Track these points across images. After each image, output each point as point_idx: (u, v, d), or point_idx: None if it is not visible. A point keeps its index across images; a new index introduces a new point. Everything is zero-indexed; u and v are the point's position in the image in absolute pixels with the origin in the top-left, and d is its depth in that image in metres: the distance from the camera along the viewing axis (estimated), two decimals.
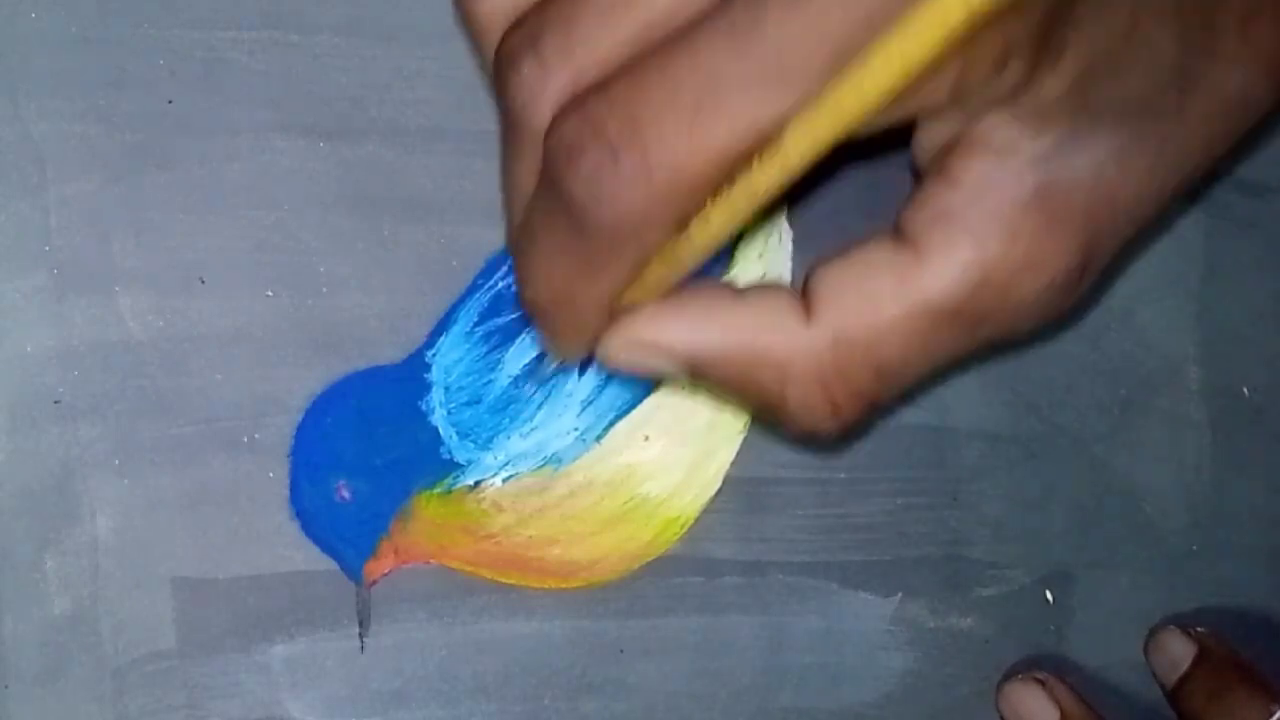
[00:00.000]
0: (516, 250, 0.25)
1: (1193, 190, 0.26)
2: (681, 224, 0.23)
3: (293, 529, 0.33)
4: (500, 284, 0.34)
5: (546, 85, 0.23)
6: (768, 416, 0.27)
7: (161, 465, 0.32)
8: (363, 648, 0.34)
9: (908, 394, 0.27)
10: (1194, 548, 0.40)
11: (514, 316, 0.34)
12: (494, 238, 0.34)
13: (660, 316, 0.26)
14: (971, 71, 0.22)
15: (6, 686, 0.32)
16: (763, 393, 0.26)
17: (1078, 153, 0.24)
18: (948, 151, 0.24)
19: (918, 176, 0.25)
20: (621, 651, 0.36)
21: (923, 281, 0.24)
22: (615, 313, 0.26)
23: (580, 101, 0.22)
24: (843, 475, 0.37)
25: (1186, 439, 0.40)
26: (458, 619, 0.34)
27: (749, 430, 0.36)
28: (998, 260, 0.24)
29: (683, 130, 0.21)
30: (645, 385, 0.35)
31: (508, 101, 0.24)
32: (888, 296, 0.24)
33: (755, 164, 0.22)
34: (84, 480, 0.32)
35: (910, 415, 0.37)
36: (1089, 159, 0.24)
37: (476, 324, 0.34)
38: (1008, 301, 0.24)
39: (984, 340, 0.25)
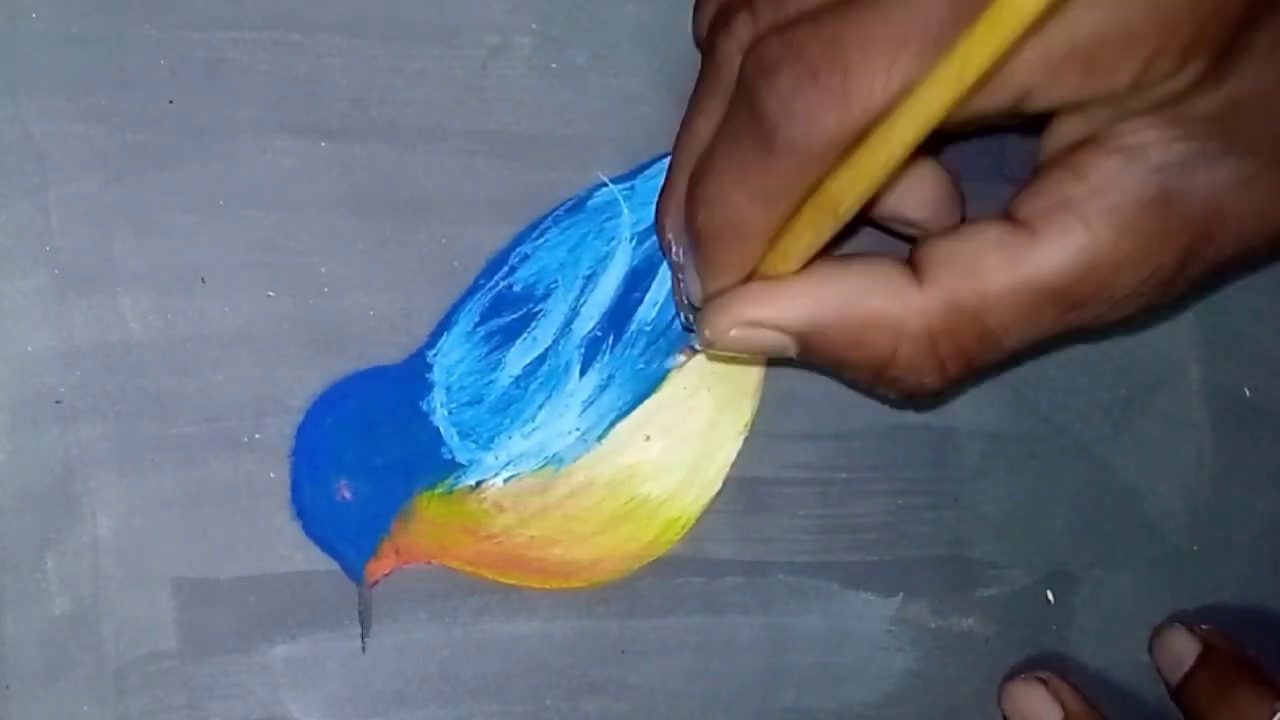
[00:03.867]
0: (695, 178, 0.27)
1: None
2: (844, 160, 0.25)
3: (294, 529, 0.33)
4: (501, 284, 0.34)
5: (753, 33, 0.26)
6: (873, 378, 0.29)
7: (162, 465, 0.32)
8: (364, 648, 0.34)
9: (997, 364, 0.29)
10: (1195, 548, 0.40)
11: (515, 316, 0.34)
12: (495, 237, 0.34)
13: (771, 292, 0.28)
14: (1158, 60, 0.24)
15: (7, 686, 0.32)
16: (874, 354, 0.28)
17: (1204, 170, 0.25)
18: (1076, 148, 0.26)
19: (1037, 168, 0.27)
20: (623, 652, 0.36)
21: (1034, 259, 0.26)
22: (722, 292, 0.28)
23: (782, 27, 0.24)
24: (843, 475, 0.37)
25: (1186, 439, 0.40)
26: (459, 619, 0.34)
27: (750, 430, 0.36)
28: (1107, 250, 0.26)
29: (884, 61, 0.23)
30: (647, 385, 0.35)
31: (714, 54, 0.27)
32: (999, 270, 0.26)
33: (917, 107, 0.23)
34: (84, 480, 0.32)
35: (910, 415, 0.37)
36: (1212, 178, 0.26)
37: (478, 324, 0.34)
38: (1107, 289, 0.26)
39: (1076, 322, 0.27)
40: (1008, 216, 0.27)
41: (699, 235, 0.28)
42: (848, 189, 0.25)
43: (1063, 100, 0.25)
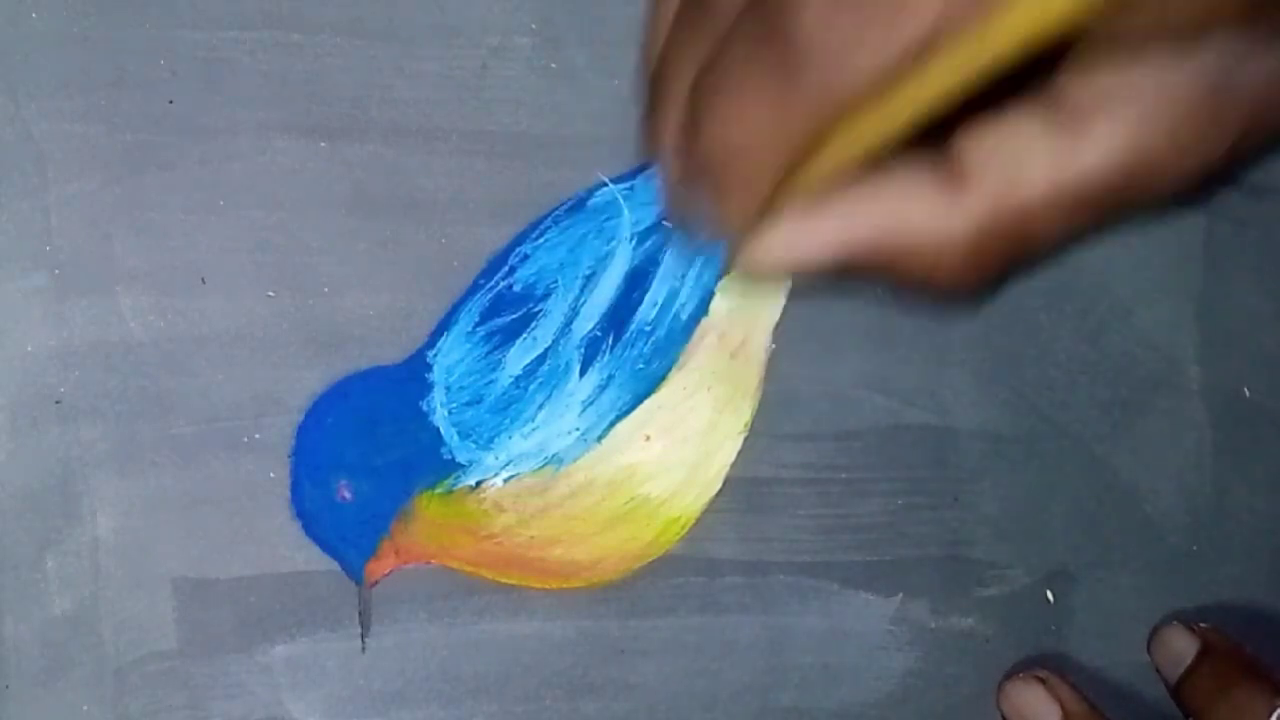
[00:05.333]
0: (697, 98, 0.24)
1: None
2: (883, 93, 0.22)
3: (294, 529, 0.33)
4: (501, 284, 0.34)
5: None
6: (913, 289, 0.27)
7: (162, 465, 0.32)
8: (364, 648, 0.34)
9: (1039, 258, 0.28)
10: (1194, 548, 0.40)
11: (515, 316, 0.34)
12: (494, 237, 0.34)
13: (798, 222, 0.26)
14: None
15: (7, 686, 0.32)
16: (915, 270, 0.26)
17: (1256, 61, 0.24)
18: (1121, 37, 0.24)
19: (1069, 45, 0.25)
20: (622, 652, 0.36)
21: (1081, 160, 0.24)
22: (761, 214, 0.25)
23: None
24: (843, 475, 0.37)
25: (1186, 439, 0.40)
26: (459, 619, 0.34)
27: (750, 430, 0.36)
28: (1160, 148, 0.24)
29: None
30: (647, 385, 0.35)
31: None
32: (1042, 172, 0.25)
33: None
34: (84, 480, 0.32)
35: (910, 415, 0.37)
36: (1263, 67, 0.24)
37: (478, 324, 0.34)
38: (1156, 184, 0.25)
39: (1120, 216, 0.26)
40: (1050, 100, 0.25)
41: (705, 160, 0.25)
42: (889, 123, 0.23)
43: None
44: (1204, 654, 0.37)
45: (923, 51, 0.21)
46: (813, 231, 0.26)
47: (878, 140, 0.24)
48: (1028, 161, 0.25)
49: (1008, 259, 0.26)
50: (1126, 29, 0.23)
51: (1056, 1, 0.21)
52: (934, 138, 0.25)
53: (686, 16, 0.25)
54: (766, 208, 0.25)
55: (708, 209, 0.26)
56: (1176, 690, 0.37)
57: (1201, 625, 0.38)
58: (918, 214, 0.26)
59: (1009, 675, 0.38)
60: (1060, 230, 0.26)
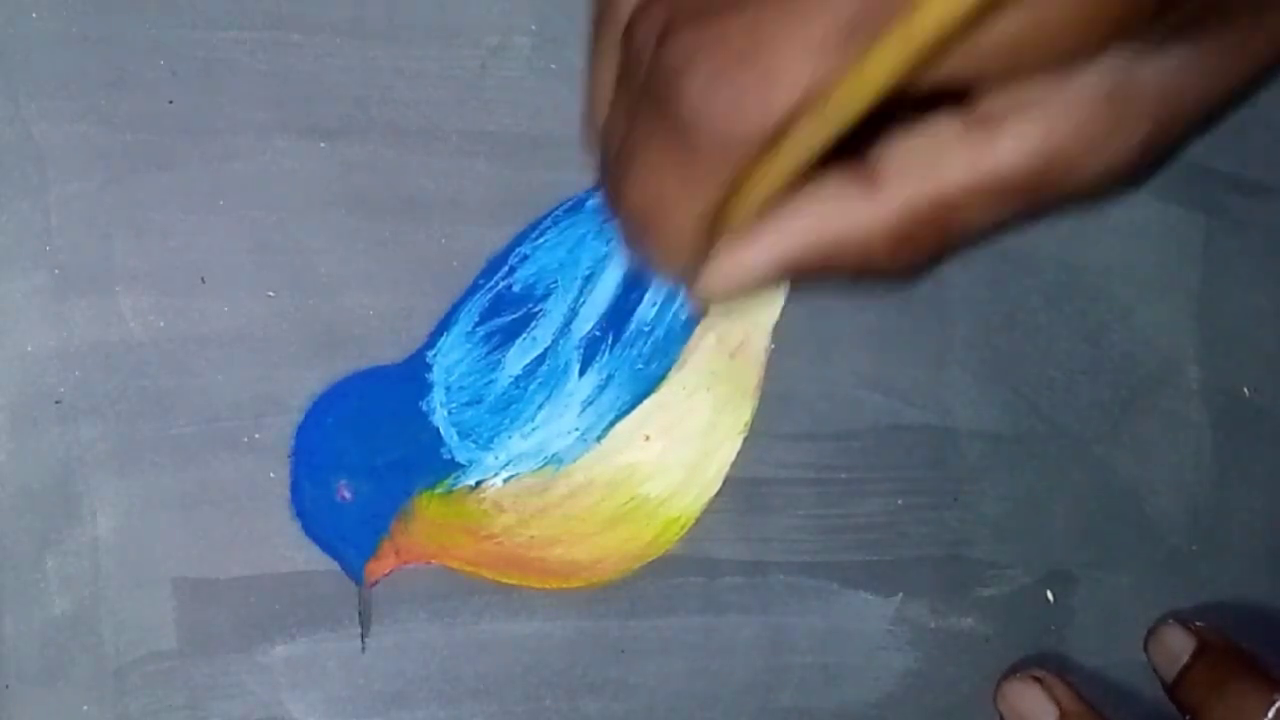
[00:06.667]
0: (613, 163, 0.27)
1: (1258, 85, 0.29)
2: (775, 148, 0.24)
3: (294, 529, 0.33)
4: (501, 284, 0.34)
5: (666, 19, 0.25)
6: (853, 282, 0.29)
7: (162, 465, 0.32)
8: (364, 648, 0.34)
9: (970, 243, 0.30)
10: (1194, 548, 0.40)
11: (515, 316, 0.34)
12: (494, 238, 0.34)
13: (744, 243, 0.28)
14: (1117, 32, 0.24)
15: (7, 686, 0.32)
16: (848, 267, 0.28)
17: (1151, 62, 0.26)
18: None
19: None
20: (622, 652, 0.36)
21: (996, 157, 0.26)
22: (704, 242, 0.27)
23: (695, 18, 0.24)
24: (843, 475, 0.37)
25: (1186, 439, 0.40)
26: (459, 619, 0.34)
27: (750, 430, 0.36)
28: (1067, 144, 0.26)
29: (803, 58, 0.23)
30: (646, 385, 0.35)
31: (632, 38, 0.26)
32: (959, 167, 0.26)
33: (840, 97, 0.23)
34: (84, 480, 0.32)
35: (910, 415, 0.37)
36: (1160, 67, 0.26)
37: (477, 324, 0.34)
38: (1069, 181, 0.27)
39: (1042, 211, 0.28)
40: (965, 111, 0.27)
41: (630, 220, 0.27)
42: (797, 159, 0.25)
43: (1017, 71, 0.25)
44: (1200, 652, 0.37)
45: (800, 112, 0.23)
46: (750, 254, 0.28)
47: (791, 172, 0.26)
48: (944, 159, 0.26)
49: (933, 245, 0.28)
50: (1014, 67, 0.25)
51: (910, 63, 0.23)
52: (851, 149, 0.27)
53: (620, 80, 0.28)
54: (699, 250, 0.27)
55: (648, 256, 0.29)
56: (1173, 688, 0.37)
57: (1198, 624, 0.38)
58: (842, 216, 0.27)
59: (1006, 675, 0.38)
60: (982, 218, 0.27)
